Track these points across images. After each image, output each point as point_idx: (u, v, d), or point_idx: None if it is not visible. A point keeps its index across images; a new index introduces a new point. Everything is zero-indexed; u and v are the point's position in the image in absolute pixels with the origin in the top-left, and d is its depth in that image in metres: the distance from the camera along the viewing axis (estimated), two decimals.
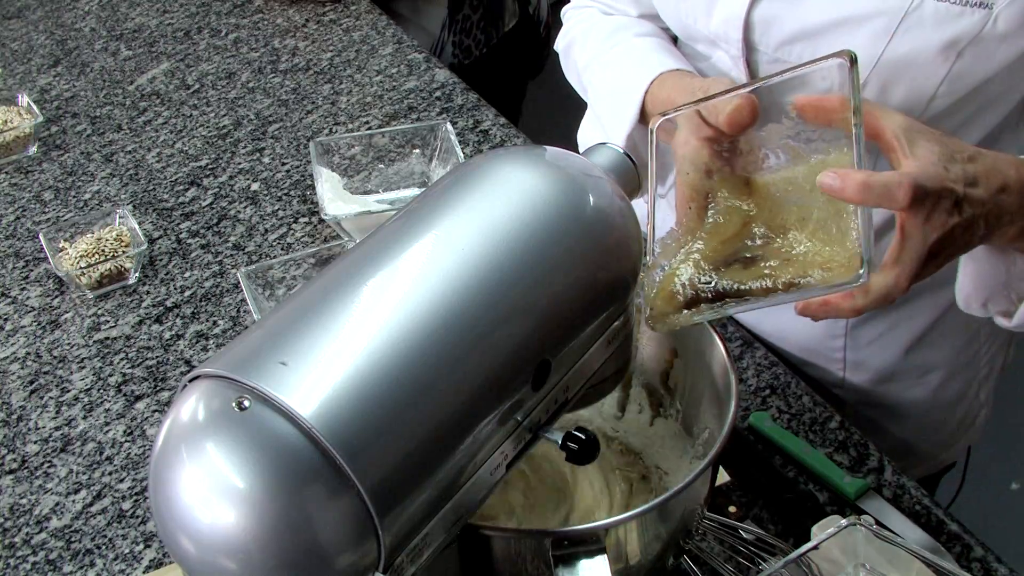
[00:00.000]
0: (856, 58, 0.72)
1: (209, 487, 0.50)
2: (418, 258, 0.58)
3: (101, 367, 1.15)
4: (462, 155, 1.33)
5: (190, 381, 0.53)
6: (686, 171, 0.81)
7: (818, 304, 0.74)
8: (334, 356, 0.52)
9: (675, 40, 1.13)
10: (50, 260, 1.25)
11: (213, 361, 0.53)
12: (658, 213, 0.82)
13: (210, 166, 1.45)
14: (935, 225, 0.72)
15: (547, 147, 0.68)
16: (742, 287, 0.73)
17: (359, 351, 0.52)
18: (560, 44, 1.16)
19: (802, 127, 0.76)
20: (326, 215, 1.27)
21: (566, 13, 1.16)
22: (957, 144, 0.75)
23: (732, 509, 0.93)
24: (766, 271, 0.74)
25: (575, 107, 1.18)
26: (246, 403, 0.50)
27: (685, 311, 0.75)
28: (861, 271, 0.69)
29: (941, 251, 0.73)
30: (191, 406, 0.52)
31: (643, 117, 0.99)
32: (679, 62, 1.00)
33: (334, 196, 1.29)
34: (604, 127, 1.05)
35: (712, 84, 0.86)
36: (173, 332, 1.19)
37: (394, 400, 0.52)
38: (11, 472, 1.04)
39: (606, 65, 1.08)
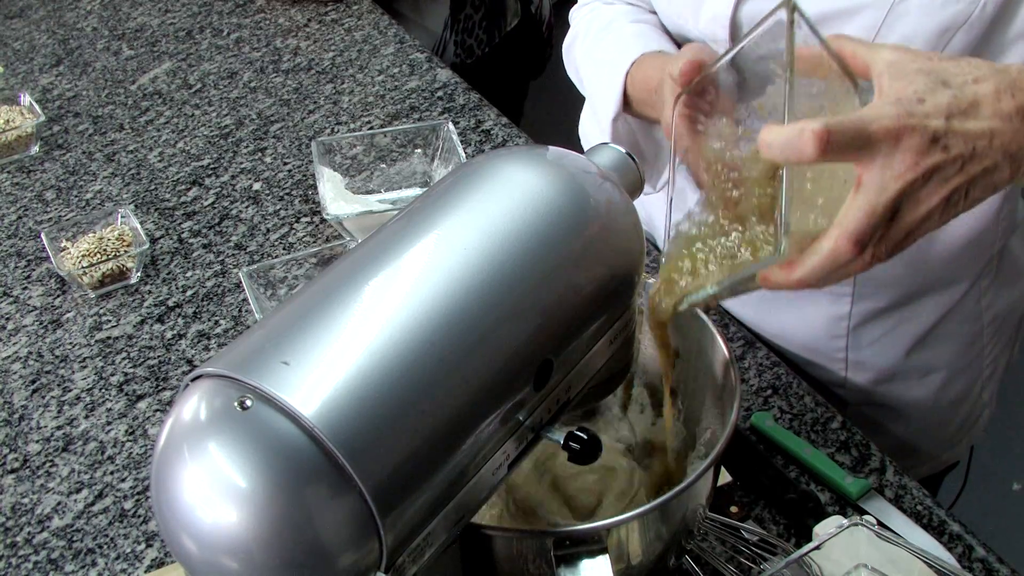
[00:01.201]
0: (795, 7, 0.65)
1: (211, 487, 0.50)
2: (420, 258, 0.58)
3: (103, 366, 1.15)
4: (464, 155, 1.33)
5: (192, 380, 0.53)
6: (683, 147, 0.77)
7: (762, 279, 0.67)
8: (336, 356, 0.52)
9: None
10: (52, 260, 1.25)
11: (215, 360, 0.53)
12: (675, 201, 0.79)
13: (212, 166, 1.45)
14: (897, 171, 0.62)
15: (549, 147, 0.68)
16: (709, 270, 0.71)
17: (361, 351, 0.52)
18: (565, 43, 1.17)
19: (803, 84, 0.69)
20: (328, 215, 1.27)
21: (573, 15, 1.17)
22: (962, 65, 0.67)
23: (734, 509, 0.93)
24: (720, 253, 0.70)
25: (577, 107, 1.18)
26: (248, 403, 0.50)
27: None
28: (779, 244, 0.63)
29: (913, 201, 0.64)
30: (193, 405, 0.52)
31: (627, 102, 0.98)
32: (663, 44, 0.99)
33: (336, 196, 1.29)
34: (596, 117, 1.05)
35: (683, 52, 0.81)
36: (175, 332, 1.19)
37: (396, 400, 0.52)
38: (13, 471, 1.04)
39: (597, 55, 1.08)
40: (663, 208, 0.81)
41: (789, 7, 0.65)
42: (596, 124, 1.08)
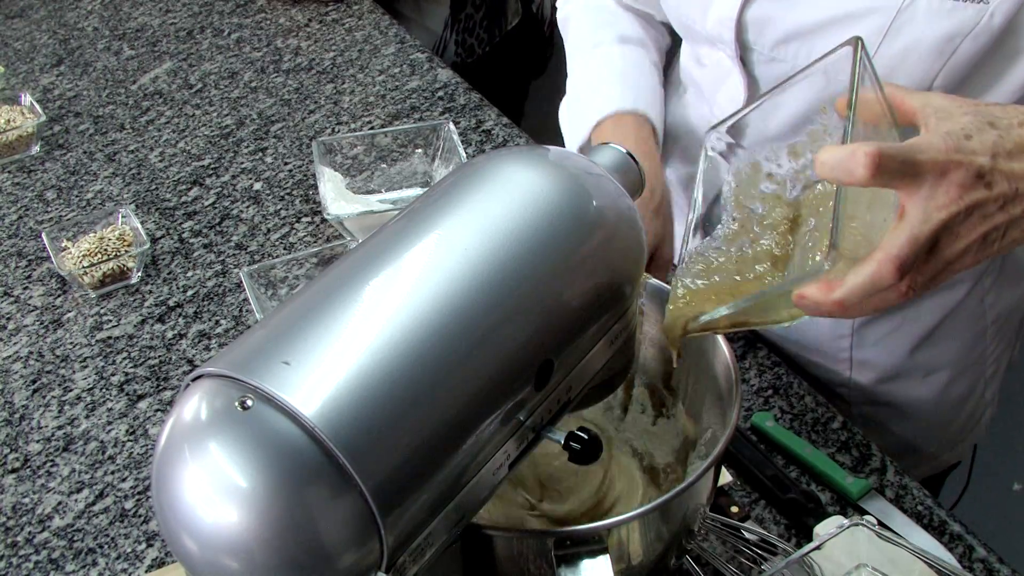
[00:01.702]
0: (861, 43, 0.67)
1: (212, 486, 0.50)
2: (421, 258, 0.58)
3: (103, 366, 1.15)
4: (464, 155, 1.33)
5: (193, 380, 0.53)
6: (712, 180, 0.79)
7: (798, 297, 0.68)
8: (337, 356, 0.52)
9: (672, 33, 1.14)
10: (53, 259, 1.25)
11: (216, 360, 0.53)
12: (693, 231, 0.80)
13: (212, 165, 1.45)
14: (940, 203, 0.63)
15: (550, 147, 0.68)
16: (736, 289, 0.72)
17: (362, 351, 0.52)
18: (560, 14, 1.20)
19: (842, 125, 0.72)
20: (328, 215, 1.27)
21: None
22: (1008, 110, 0.68)
23: (734, 509, 0.93)
24: (745, 275, 0.71)
25: None
26: (249, 402, 0.50)
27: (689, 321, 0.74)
28: (821, 259, 0.64)
29: (952, 235, 0.65)
30: (194, 405, 0.52)
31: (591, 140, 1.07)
32: (641, 94, 1.06)
33: (336, 196, 1.29)
34: (570, 124, 1.12)
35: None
36: (176, 331, 1.19)
37: (397, 400, 0.52)
38: (14, 471, 1.04)
39: (580, 68, 1.14)
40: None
41: (855, 44, 0.67)
42: (566, 118, 1.15)
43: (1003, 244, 0.67)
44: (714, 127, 0.77)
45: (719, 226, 0.77)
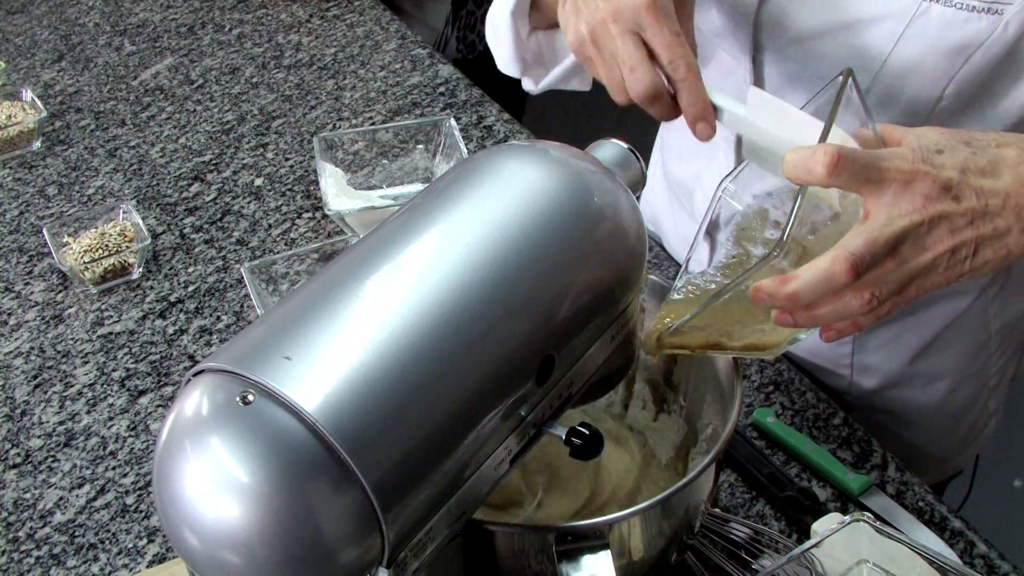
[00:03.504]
0: (851, 73, 0.69)
1: (213, 481, 0.50)
2: (422, 253, 0.58)
3: (105, 362, 1.15)
4: (466, 151, 1.33)
5: (194, 375, 0.53)
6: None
7: (754, 290, 0.68)
8: (338, 351, 0.52)
9: None
10: (54, 255, 1.25)
11: (217, 355, 0.53)
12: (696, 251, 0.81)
13: (214, 161, 1.45)
14: (903, 210, 0.64)
15: (551, 142, 0.68)
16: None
17: (363, 346, 0.52)
18: None
19: None
20: (330, 210, 1.27)
21: None
22: (990, 134, 0.69)
23: (735, 505, 0.93)
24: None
25: (579, 103, 1.18)
26: (250, 397, 0.50)
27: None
28: (782, 243, 0.65)
29: (918, 246, 0.65)
30: (195, 400, 0.52)
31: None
32: None
33: (338, 191, 1.29)
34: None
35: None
36: (177, 327, 1.19)
37: (398, 395, 0.52)
38: (15, 467, 1.04)
39: None
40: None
41: (846, 73, 0.69)
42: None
43: (975, 263, 0.67)
44: (728, 178, 0.78)
45: (719, 254, 0.78)
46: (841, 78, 0.69)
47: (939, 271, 0.66)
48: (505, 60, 1.08)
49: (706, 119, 0.77)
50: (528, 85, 1.10)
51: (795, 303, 0.67)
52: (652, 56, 0.77)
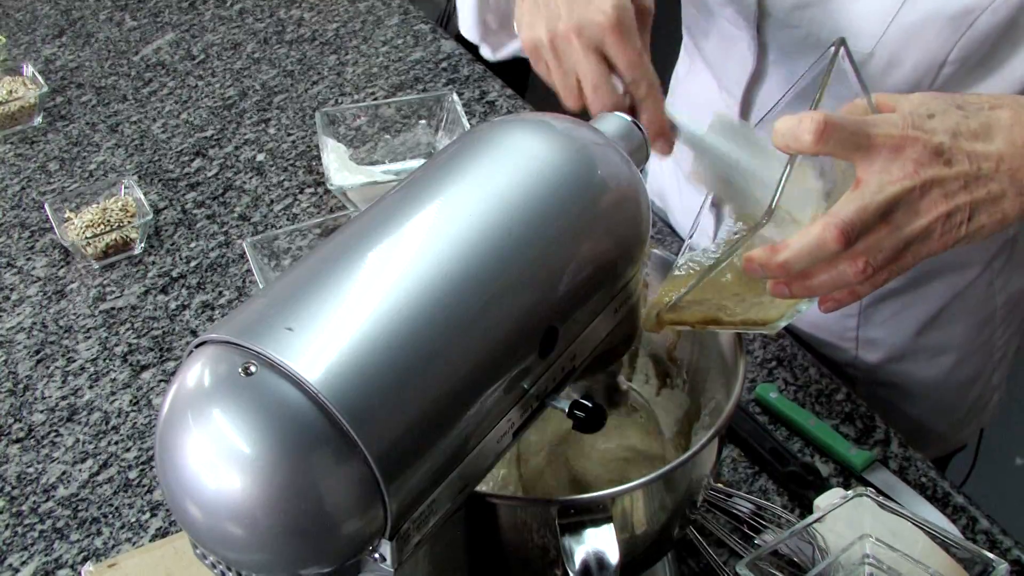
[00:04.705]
0: (844, 43, 0.68)
1: (215, 453, 0.50)
2: (424, 224, 0.57)
3: (107, 337, 1.15)
4: (468, 126, 1.33)
5: (196, 347, 0.53)
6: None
7: (745, 261, 0.68)
8: (341, 322, 0.52)
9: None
10: (55, 230, 1.25)
11: (219, 327, 0.53)
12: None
13: (215, 137, 1.44)
14: (895, 176, 0.64)
15: (554, 114, 0.67)
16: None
17: (366, 317, 0.52)
18: None
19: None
20: (332, 185, 1.27)
21: None
22: (983, 96, 0.68)
23: (738, 480, 0.93)
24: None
25: None
26: (252, 368, 0.50)
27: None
28: (769, 211, 0.65)
29: (911, 211, 0.65)
30: (197, 372, 0.51)
31: None
32: None
33: (340, 167, 1.29)
34: None
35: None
36: (179, 302, 1.19)
37: (401, 366, 0.51)
38: (18, 441, 1.04)
39: None
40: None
41: (838, 42, 0.68)
42: None
43: (971, 228, 0.66)
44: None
45: (721, 231, 0.78)
46: (833, 49, 0.69)
47: (934, 237, 0.66)
48: (468, 22, 1.07)
49: (664, 136, 0.79)
50: (486, 52, 1.09)
51: (787, 272, 0.67)
52: (612, 70, 0.78)
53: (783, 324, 0.75)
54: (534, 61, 0.83)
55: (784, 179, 0.65)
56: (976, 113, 0.66)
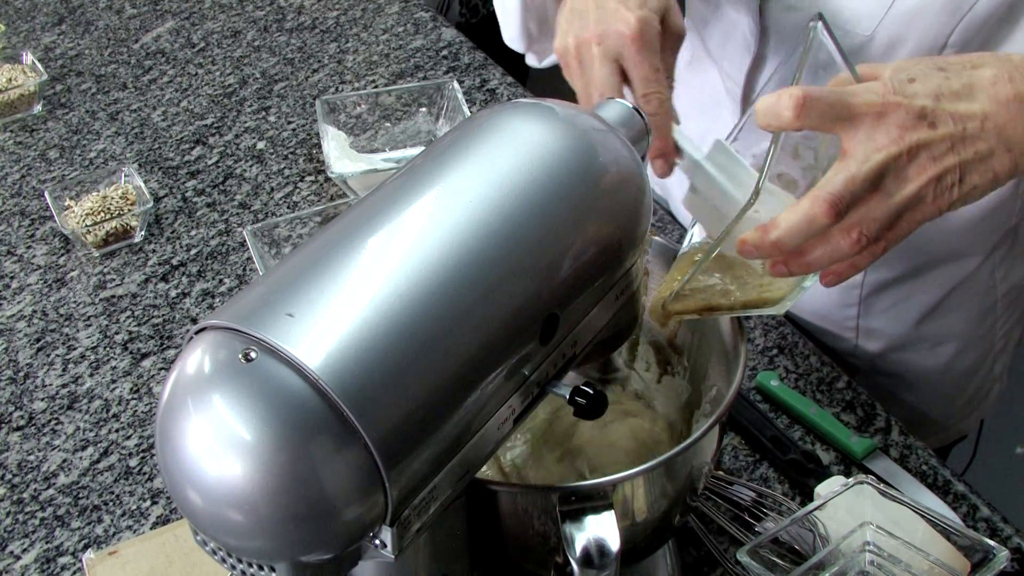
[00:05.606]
0: (821, 17, 0.68)
1: (215, 439, 0.49)
2: (425, 210, 0.57)
3: (107, 325, 1.15)
4: (468, 114, 1.32)
5: (196, 333, 0.53)
6: None
7: (740, 243, 0.68)
8: (341, 308, 0.52)
9: None
10: (56, 218, 1.25)
11: (219, 313, 0.53)
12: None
13: (216, 125, 1.44)
14: (880, 144, 0.63)
15: (555, 100, 0.67)
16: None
17: (366, 303, 0.52)
18: None
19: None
20: (332, 173, 1.26)
21: None
22: (964, 56, 0.67)
23: (739, 468, 0.93)
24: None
25: None
26: (253, 354, 0.50)
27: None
28: (757, 189, 0.64)
29: (900, 178, 0.64)
30: (197, 358, 0.51)
31: None
32: None
33: (340, 154, 1.28)
34: None
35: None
36: (179, 290, 1.18)
37: (401, 352, 0.51)
38: (19, 429, 1.04)
39: None
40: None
41: (816, 17, 0.67)
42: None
43: (964, 190, 0.66)
44: (728, 137, 0.78)
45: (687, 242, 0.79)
46: (811, 23, 0.68)
47: (928, 201, 0.65)
48: (512, 32, 1.08)
49: (666, 157, 0.79)
50: (531, 61, 1.09)
51: (781, 250, 0.66)
52: (627, 82, 0.79)
53: (791, 303, 0.74)
54: (563, 67, 0.84)
55: (769, 160, 0.65)
56: (958, 73, 0.65)
